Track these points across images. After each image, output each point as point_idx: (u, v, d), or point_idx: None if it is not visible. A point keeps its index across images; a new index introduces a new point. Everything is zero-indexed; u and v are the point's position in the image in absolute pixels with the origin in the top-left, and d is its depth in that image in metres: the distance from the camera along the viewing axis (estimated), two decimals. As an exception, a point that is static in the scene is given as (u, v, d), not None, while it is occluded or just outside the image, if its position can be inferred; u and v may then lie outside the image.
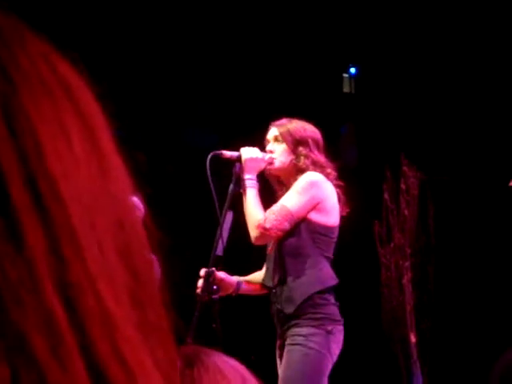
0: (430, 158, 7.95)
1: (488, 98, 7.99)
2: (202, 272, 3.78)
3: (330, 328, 3.76)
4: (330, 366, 3.78)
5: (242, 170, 3.87)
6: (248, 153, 3.87)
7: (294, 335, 3.75)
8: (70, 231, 0.50)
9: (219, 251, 3.74)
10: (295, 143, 3.91)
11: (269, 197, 3.98)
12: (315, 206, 3.83)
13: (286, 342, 3.77)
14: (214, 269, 3.76)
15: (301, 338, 3.73)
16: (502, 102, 7.90)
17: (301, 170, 3.88)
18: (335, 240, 3.94)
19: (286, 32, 7.88)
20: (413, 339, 7.66)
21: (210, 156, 3.83)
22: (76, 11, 6.77)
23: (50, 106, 0.51)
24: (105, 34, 7.16)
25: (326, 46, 8.13)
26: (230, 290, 3.92)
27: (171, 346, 0.54)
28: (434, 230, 7.72)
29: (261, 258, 4.11)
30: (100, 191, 0.52)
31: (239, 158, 3.89)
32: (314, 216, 3.84)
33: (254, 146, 3.95)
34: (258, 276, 4.03)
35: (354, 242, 8.07)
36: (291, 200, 3.80)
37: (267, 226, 3.75)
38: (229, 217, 3.78)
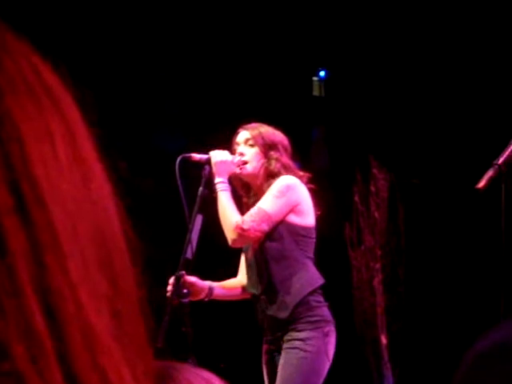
0: (400, 161, 7.99)
1: (457, 101, 8.04)
2: (172, 279, 3.75)
3: (326, 330, 3.77)
4: (326, 369, 3.78)
5: (212, 173, 3.86)
6: (218, 156, 3.86)
7: (291, 340, 3.74)
8: (52, 237, 0.49)
9: (189, 254, 3.72)
10: (267, 147, 3.91)
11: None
12: (293, 208, 3.83)
13: (284, 346, 3.75)
14: (183, 272, 3.73)
15: (299, 342, 3.72)
16: (470, 106, 7.96)
17: (271, 175, 3.88)
18: (315, 240, 3.96)
19: (256, 36, 7.89)
20: (384, 341, 7.69)
21: (178, 159, 3.82)
22: (44, 14, 6.73)
23: (35, 110, 0.51)
24: (75, 38, 7.12)
25: (295, 49, 8.15)
26: (202, 295, 3.89)
27: (149, 358, 0.54)
28: (404, 231, 7.76)
29: (232, 262, 4.10)
30: (82, 198, 0.52)
31: (208, 161, 3.88)
32: (294, 218, 3.85)
33: (223, 149, 3.94)
34: (233, 282, 4.00)
35: (325, 245, 8.08)
36: (268, 202, 3.79)
37: (245, 227, 3.74)
38: (198, 220, 3.77)
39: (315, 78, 8.86)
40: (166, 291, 3.75)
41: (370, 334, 7.73)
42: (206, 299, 3.93)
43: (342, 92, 8.61)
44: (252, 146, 3.94)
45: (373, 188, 7.76)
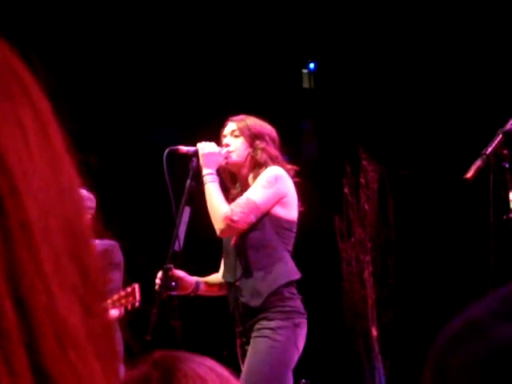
0: (389, 152, 8.00)
1: (446, 93, 8.06)
2: (160, 272, 3.75)
3: (297, 321, 3.76)
4: (295, 359, 3.78)
5: (199, 165, 3.85)
6: (205, 148, 3.86)
7: (261, 328, 3.73)
8: (25, 227, 0.48)
9: (177, 247, 3.71)
10: (252, 137, 3.91)
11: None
12: (280, 199, 3.83)
13: (253, 335, 3.74)
14: (171, 265, 3.73)
15: (268, 330, 3.71)
16: (459, 98, 7.97)
17: (258, 164, 3.87)
18: (295, 234, 3.94)
19: (246, 28, 7.88)
20: (374, 333, 7.71)
21: (166, 152, 3.81)
22: (25, 7, 6.70)
23: (6, 101, 0.51)
24: (68, 32, 7.10)
25: (285, 41, 8.14)
26: (189, 290, 3.89)
27: (115, 353, 0.53)
28: (394, 223, 7.78)
29: (220, 254, 4.10)
30: (53, 189, 0.51)
31: (196, 153, 3.88)
32: (278, 210, 3.84)
33: (213, 141, 3.93)
34: (216, 278, 4.00)
35: (315, 237, 8.10)
36: (256, 193, 3.79)
37: (234, 218, 3.74)
38: (186, 212, 3.76)
39: (305, 71, 8.86)
40: (155, 284, 3.74)
41: (360, 325, 7.75)
42: (192, 294, 3.93)
43: (331, 84, 8.61)
44: (237, 136, 3.94)
45: (362, 180, 7.77)
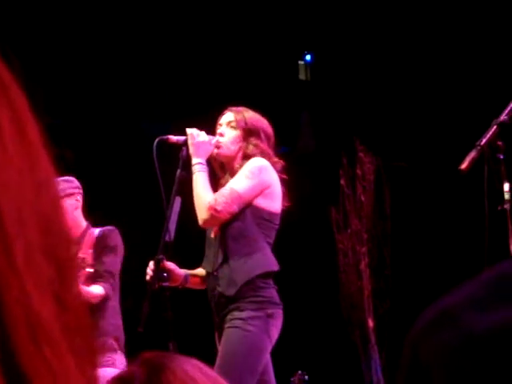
0: (386, 144, 8.00)
1: (442, 85, 8.05)
2: (151, 263, 3.74)
3: (270, 311, 3.73)
4: (268, 350, 3.75)
5: (189, 154, 3.83)
6: (195, 137, 3.84)
7: (233, 319, 3.71)
8: None
9: (168, 237, 3.70)
10: (248, 131, 3.89)
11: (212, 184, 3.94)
12: (262, 190, 3.82)
13: (226, 326, 3.73)
14: (163, 256, 3.72)
15: (240, 321, 3.69)
16: (454, 90, 7.97)
17: (247, 157, 3.86)
18: (277, 227, 3.92)
19: (242, 19, 7.86)
20: (371, 324, 7.73)
21: (156, 141, 3.79)
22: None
23: None
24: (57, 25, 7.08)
25: (282, 33, 8.13)
26: (178, 283, 3.88)
27: (92, 348, 0.53)
28: (390, 215, 7.78)
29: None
30: (28, 184, 0.51)
31: (186, 143, 3.85)
32: (260, 201, 3.82)
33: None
34: (202, 271, 3.99)
35: (311, 229, 8.11)
36: (240, 183, 3.78)
37: (218, 208, 3.72)
38: (177, 202, 3.74)
39: (301, 62, 8.85)
40: (146, 275, 3.73)
41: (356, 317, 7.76)
42: (180, 287, 3.92)
43: (328, 76, 8.60)
44: (234, 128, 3.92)
45: (359, 171, 7.77)
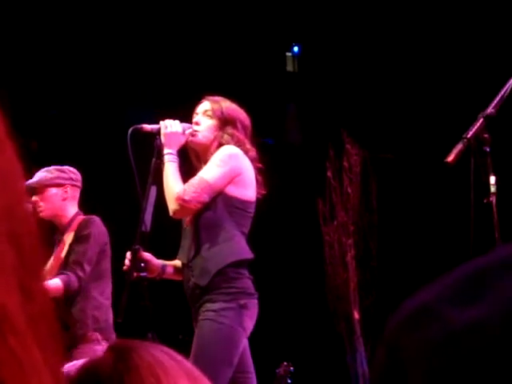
0: (372, 136, 8.01)
1: (429, 77, 8.06)
2: (128, 253, 3.73)
3: (242, 302, 3.71)
4: (242, 340, 3.74)
5: (162, 144, 3.82)
6: (168, 127, 3.82)
7: (206, 311, 3.69)
8: None
9: (144, 227, 3.68)
10: (224, 121, 3.87)
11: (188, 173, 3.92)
12: (233, 178, 3.79)
13: (199, 318, 3.72)
14: (139, 246, 3.70)
15: (212, 313, 3.67)
16: (441, 83, 7.99)
17: (222, 146, 3.84)
18: (252, 215, 3.89)
19: (230, 10, 7.84)
20: (356, 316, 7.74)
21: (130, 130, 3.77)
22: None
23: None
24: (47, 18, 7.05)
25: (269, 24, 8.11)
26: (155, 273, 3.87)
27: (57, 339, 0.52)
28: (377, 207, 7.79)
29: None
30: None
31: (159, 132, 3.84)
32: (231, 189, 3.80)
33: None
34: (178, 262, 3.98)
35: (298, 220, 8.11)
36: (210, 172, 3.75)
37: (186, 198, 3.70)
38: (153, 192, 3.72)
39: (289, 54, 8.83)
40: (123, 265, 3.72)
41: (342, 309, 7.77)
42: (158, 278, 3.90)
43: (315, 67, 8.60)
44: (209, 117, 3.90)
45: (346, 163, 7.77)
